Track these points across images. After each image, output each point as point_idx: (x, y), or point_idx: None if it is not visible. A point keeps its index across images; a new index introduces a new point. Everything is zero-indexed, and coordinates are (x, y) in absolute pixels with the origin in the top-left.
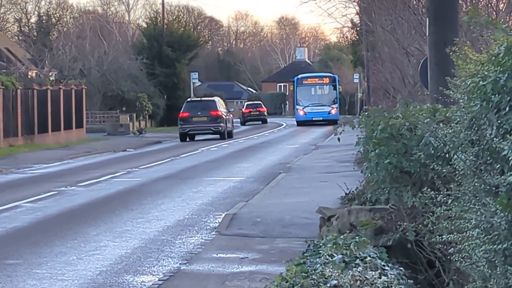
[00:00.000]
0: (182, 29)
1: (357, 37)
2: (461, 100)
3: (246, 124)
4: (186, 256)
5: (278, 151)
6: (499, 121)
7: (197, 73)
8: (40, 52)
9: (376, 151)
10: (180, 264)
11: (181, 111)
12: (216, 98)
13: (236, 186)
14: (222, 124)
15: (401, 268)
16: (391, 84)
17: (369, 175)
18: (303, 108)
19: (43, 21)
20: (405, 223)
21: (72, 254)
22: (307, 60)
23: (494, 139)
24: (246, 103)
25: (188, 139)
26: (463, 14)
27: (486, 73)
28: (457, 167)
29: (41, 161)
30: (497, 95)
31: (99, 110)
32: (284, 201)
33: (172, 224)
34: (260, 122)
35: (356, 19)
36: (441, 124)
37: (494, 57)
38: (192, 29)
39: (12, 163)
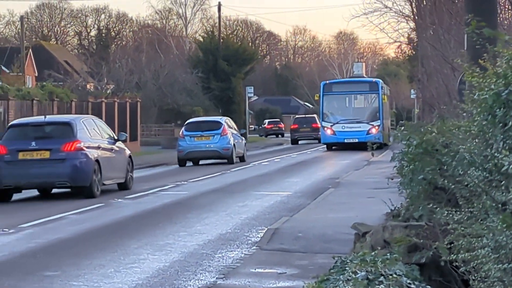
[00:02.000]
0: (239, 43)
1: (413, 52)
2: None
3: (298, 143)
4: (223, 270)
5: (330, 166)
6: (502, 136)
7: (252, 87)
8: (97, 65)
9: (411, 166)
10: (216, 278)
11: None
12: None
13: (283, 200)
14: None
15: (428, 286)
16: (436, 99)
17: (404, 191)
18: (331, 126)
19: (103, 35)
20: (437, 241)
21: (111, 267)
22: (364, 75)
23: (499, 154)
24: (295, 118)
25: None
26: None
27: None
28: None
29: None
30: (501, 108)
31: (154, 123)
32: (328, 216)
33: (214, 238)
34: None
35: (412, 34)
36: (476, 140)
37: (497, 70)
38: (249, 43)
39: None
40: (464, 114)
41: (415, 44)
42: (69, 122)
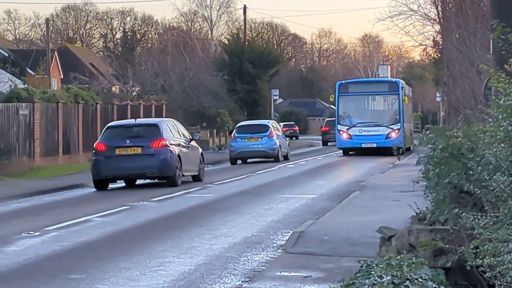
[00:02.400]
0: (264, 45)
1: (439, 55)
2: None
3: (327, 144)
4: (249, 273)
5: (355, 169)
6: None
7: (277, 90)
8: (123, 68)
9: (436, 170)
10: (242, 282)
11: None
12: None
13: (308, 203)
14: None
15: None
16: (462, 103)
17: (429, 194)
18: (347, 129)
19: (128, 37)
20: (463, 246)
21: (136, 270)
22: (389, 78)
23: None
24: (326, 120)
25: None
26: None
27: None
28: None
29: None
30: None
31: None
32: (354, 219)
33: (239, 241)
34: None
35: (437, 37)
36: (502, 144)
37: None
38: (275, 46)
39: (90, 177)
40: (490, 119)
41: (440, 47)
42: (156, 124)
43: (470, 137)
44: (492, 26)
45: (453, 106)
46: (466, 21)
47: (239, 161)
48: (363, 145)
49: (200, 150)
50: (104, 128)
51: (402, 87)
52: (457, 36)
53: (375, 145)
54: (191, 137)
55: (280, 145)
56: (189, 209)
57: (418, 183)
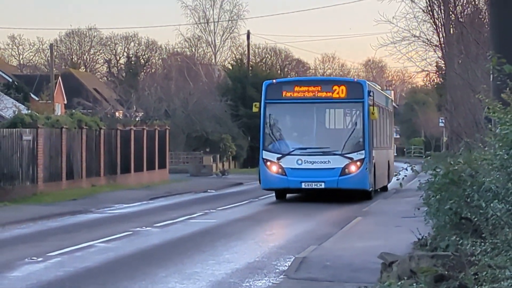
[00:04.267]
0: (268, 70)
1: (441, 80)
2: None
3: None
4: None
5: (358, 194)
6: None
7: None
8: (126, 93)
9: (437, 196)
10: None
11: None
12: None
13: (311, 229)
14: None
15: None
16: (463, 129)
17: (430, 220)
18: (278, 159)
19: (132, 62)
20: (463, 272)
21: None
22: (393, 103)
23: None
24: None
25: None
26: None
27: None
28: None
29: (121, 201)
30: None
31: (183, 151)
32: (356, 245)
33: (242, 266)
34: None
35: (440, 62)
36: (499, 172)
37: None
38: (278, 71)
39: (93, 203)
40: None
41: (443, 73)
42: None
43: (470, 163)
44: (489, 57)
45: (455, 131)
46: (468, 47)
47: (242, 187)
48: (303, 186)
49: None
50: None
51: (369, 92)
52: (459, 62)
53: (322, 186)
54: None
55: None
56: (192, 234)
57: (419, 209)
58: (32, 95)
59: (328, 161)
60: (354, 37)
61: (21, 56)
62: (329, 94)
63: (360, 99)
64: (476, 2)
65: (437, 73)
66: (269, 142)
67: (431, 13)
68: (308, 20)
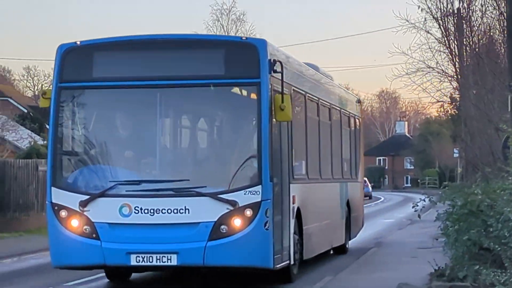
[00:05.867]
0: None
1: (456, 111)
2: None
3: None
4: None
5: (373, 225)
6: None
7: None
8: None
9: (456, 227)
10: None
11: None
12: None
13: (326, 260)
14: None
15: None
16: (480, 159)
17: (448, 251)
18: (82, 205)
19: None
20: None
21: None
22: (407, 134)
23: None
24: None
25: None
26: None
27: None
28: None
29: None
30: None
31: None
32: (371, 276)
33: None
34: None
35: (454, 93)
36: None
37: None
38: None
39: None
40: (510, 177)
41: (458, 104)
42: None
43: (489, 194)
44: (510, 86)
45: (471, 162)
46: (484, 78)
47: None
48: (134, 261)
49: None
50: None
51: (273, 64)
52: (475, 92)
53: (173, 261)
54: None
55: None
56: None
57: (437, 239)
58: (47, 126)
59: (186, 208)
60: (368, 68)
61: (36, 87)
62: (189, 70)
63: (253, 78)
64: (492, 33)
65: (452, 104)
66: (66, 170)
67: (446, 44)
68: (323, 50)
